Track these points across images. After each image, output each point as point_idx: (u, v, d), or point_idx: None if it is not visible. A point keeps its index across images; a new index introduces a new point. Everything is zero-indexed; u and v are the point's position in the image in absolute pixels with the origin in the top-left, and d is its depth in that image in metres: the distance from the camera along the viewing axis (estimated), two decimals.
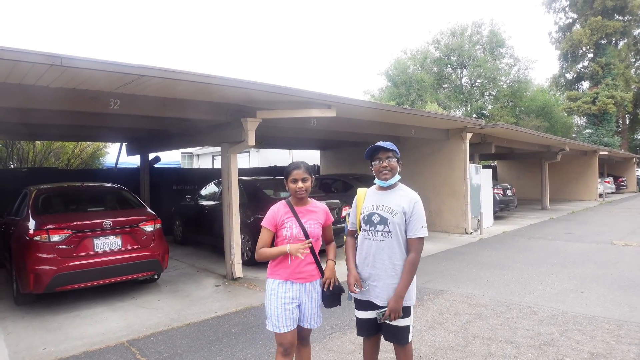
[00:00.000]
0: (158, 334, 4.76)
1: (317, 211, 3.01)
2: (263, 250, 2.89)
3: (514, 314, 5.15)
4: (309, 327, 2.97)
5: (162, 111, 6.40)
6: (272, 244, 2.95)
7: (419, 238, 2.80)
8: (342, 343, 4.36)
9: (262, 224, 2.95)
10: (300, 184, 2.88)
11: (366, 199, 2.98)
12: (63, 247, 5.51)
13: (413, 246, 2.81)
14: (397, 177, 2.90)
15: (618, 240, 10.16)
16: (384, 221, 2.82)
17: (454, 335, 4.52)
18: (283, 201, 3.00)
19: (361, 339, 3.16)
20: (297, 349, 3.05)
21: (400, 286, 2.77)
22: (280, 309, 2.85)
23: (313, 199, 3.10)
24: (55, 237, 5.48)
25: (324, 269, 3.00)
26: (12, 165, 14.35)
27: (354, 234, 3.09)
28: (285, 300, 2.86)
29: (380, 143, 2.87)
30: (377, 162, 2.87)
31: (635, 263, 7.75)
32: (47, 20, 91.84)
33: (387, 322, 2.82)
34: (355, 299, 3.00)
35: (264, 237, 2.92)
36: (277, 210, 2.94)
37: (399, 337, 2.88)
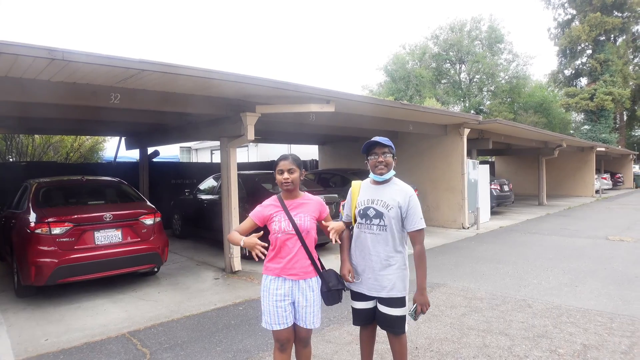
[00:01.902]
0: (158, 326, 4.83)
1: (309, 204, 2.93)
2: (232, 232, 2.86)
3: (509, 307, 5.23)
4: (305, 327, 2.87)
5: (161, 105, 6.43)
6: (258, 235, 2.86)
7: (419, 230, 2.86)
8: (339, 334, 4.44)
9: (250, 214, 2.91)
10: (286, 175, 2.81)
11: (361, 192, 3.03)
12: (64, 239, 5.56)
13: (415, 239, 2.87)
14: (392, 172, 2.96)
15: (613, 236, 10.26)
16: (379, 215, 2.88)
17: (449, 327, 4.60)
18: (274, 196, 2.96)
19: (358, 330, 3.23)
20: (297, 350, 3.00)
21: (419, 279, 2.87)
22: (272, 306, 2.80)
23: (306, 192, 3.04)
24: (57, 230, 5.54)
25: (319, 266, 2.94)
26: (10, 159, 14.37)
27: (348, 226, 3.12)
28: (277, 297, 2.80)
29: (376, 138, 2.92)
30: (373, 157, 2.92)
31: (630, 258, 7.85)
32: (45, 15, 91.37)
33: (385, 311, 2.91)
34: (352, 290, 3.06)
35: (243, 224, 2.89)
36: (267, 205, 2.91)
37: (394, 326, 2.95)
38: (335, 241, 2.88)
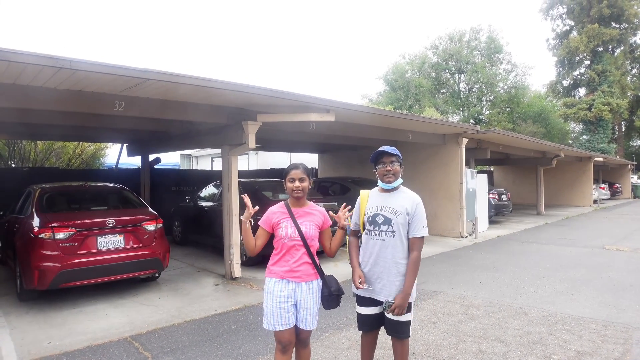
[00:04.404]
0: (160, 330, 4.90)
1: (315, 213, 3.06)
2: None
3: (505, 315, 5.31)
4: (304, 328, 2.99)
5: (164, 113, 6.55)
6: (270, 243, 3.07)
7: (420, 237, 2.96)
8: (338, 340, 4.51)
9: (259, 222, 3.05)
10: (297, 183, 2.96)
11: (369, 200, 3.12)
12: (67, 244, 5.64)
13: (415, 245, 2.96)
14: (400, 180, 3.06)
15: (610, 245, 10.34)
16: (387, 222, 2.97)
17: (446, 334, 4.68)
18: (281, 202, 3.09)
19: (356, 336, 3.30)
20: (297, 351, 3.12)
21: (406, 284, 2.91)
22: (275, 307, 2.91)
23: (312, 202, 3.17)
24: (60, 235, 5.62)
25: (322, 269, 3.07)
26: (13, 165, 14.46)
27: (356, 234, 3.22)
28: (280, 299, 2.92)
29: (384, 148, 3.01)
30: (381, 166, 3.02)
31: (626, 267, 7.93)
32: (48, 21, 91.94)
33: (390, 316, 2.96)
34: (357, 296, 3.14)
35: (257, 234, 3.04)
36: (274, 211, 3.04)
37: (400, 331, 3.03)
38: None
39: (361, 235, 3.17)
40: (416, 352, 4.21)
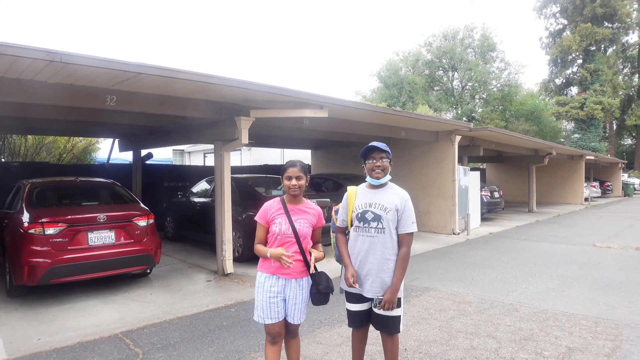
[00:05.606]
0: (151, 326, 4.87)
1: (310, 212, 3.08)
2: (256, 246, 3.04)
3: (497, 311, 5.33)
4: (292, 322, 3.06)
5: (156, 108, 6.48)
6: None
7: (410, 233, 2.96)
8: (330, 336, 4.51)
9: (255, 218, 3.07)
10: (294, 182, 2.96)
11: (357, 196, 3.09)
12: (57, 240, 5.58)
13: (404, 241, 2.96)
14: (388, 176, 3.05)
15: (600, 243, 10.43)
16: (377, 218, 2.96)
17: (438, 330, 4.69)
18: (277, 198, 3.10)
19: (348, 332, 3.30)
20: (286, 341, 3.17)
21: (395, 279, 2.92)
22: (265, 301, 2.96)
23: (309, 200, 3.17)
24: (50, 230, 5.56)
25: (311, 268, 3.04)
26: (3, 160, 14.30)
27: (344, 231, 3.19)
28: (270, 294, 2.96)
29: (374, 143, 3.00)
30: (370, 161, 3.00)
31: (616, 264, 8.00)
32: (45, 17, 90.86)
33: (379, 312, 2.96)
34: (347, 292, 3.13)
35: (258, 232, 3.06)
36: (270, 206, 3.05)
37: (390, 326, 3.03)
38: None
39: (349, 232, 3.15)
40: (408, 348, 4.22)
